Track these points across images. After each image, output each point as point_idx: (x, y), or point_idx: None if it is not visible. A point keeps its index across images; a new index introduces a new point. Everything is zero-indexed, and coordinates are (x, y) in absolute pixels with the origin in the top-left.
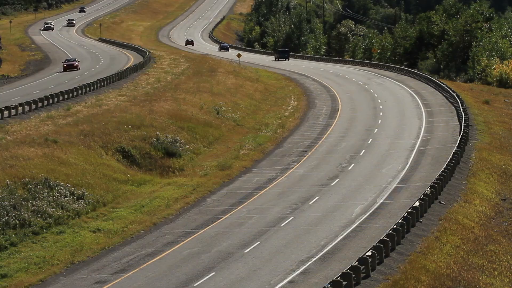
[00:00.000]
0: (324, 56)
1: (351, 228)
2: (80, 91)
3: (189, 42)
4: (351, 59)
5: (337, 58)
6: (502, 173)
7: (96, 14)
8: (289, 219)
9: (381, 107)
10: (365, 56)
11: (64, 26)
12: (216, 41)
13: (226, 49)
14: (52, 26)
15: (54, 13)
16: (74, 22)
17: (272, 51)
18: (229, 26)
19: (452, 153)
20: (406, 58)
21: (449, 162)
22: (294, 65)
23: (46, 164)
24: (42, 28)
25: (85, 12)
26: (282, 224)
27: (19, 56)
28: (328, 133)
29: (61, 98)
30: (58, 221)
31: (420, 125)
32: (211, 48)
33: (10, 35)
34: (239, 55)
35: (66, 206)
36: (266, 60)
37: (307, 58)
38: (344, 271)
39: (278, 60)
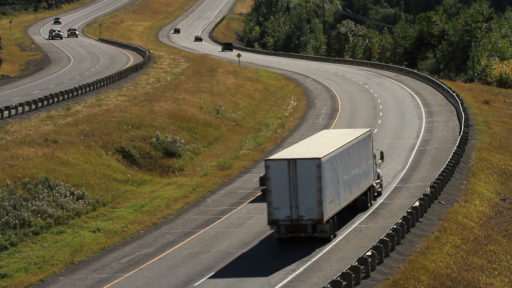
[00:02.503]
0: (324, 56)
1: (351, 228)
2: (80, 91)
3: (177, 30)
4: (351, 59)
5: (337, 58)
6: (502, 173)
7: (96, 14)
8: None
9: (381, 107)
10: (365, 56)
11: (65, 37)
12: (216, 41)
13: (200, 39)
14: (61, 33)
15: (54, 13)
16: (76, 32)
17: (220, 44)
18: (229, 26)
19: (452, 153)
20: (406, 58)
21: (449, 162)
22: (294, 65)
23: (46, 164)
24: (50, 37)
25: (60, 23)
26: None
27: (19, 56)
28: None
29: (61, 98)
30: (58, 221)
31: (420, 125)
32: (190, 40)
33: (10, 35)
34: (239, 55)
35: (66, 206)
36: (216, 50)
37: (307, 58)
38: (344, 271)
39: (224, 51)
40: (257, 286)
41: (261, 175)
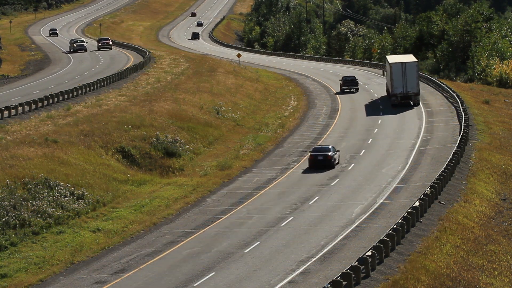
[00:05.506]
0: (324, 56)
1: (351, 228)
2: (80, 91)
3: (193, 14)
4: (351, 59)
5: (337, 58)
6: (502, 173)
7: (96, 14)
8: (289, 219)
9: (381, 107)
10: (365, 56)
11: (93, 51)
12: (216, 41)
13: (201, 24)
14: (85, 44)
15: (54, 13)
16: (110, 42)
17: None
18: (229, 26)
19: (452, 153)
20: None
21: (449, 162)
22: (294, 65)
23: (46, 164)
24: (72, 49)
25: (57, 35)
26: (282, 224)
27: (19, 56)
28: (328, 133)
29: (61, 98)
30: (58, 221)
31: (420, 125)
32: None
33: (10, 35)
34: (239, 55)
35: (66, 206)
36: (185, 40)
37: (307, 58)
38: (344, 271)
39: (192, 40)
40: (257, 286)
41: (340, 80)
